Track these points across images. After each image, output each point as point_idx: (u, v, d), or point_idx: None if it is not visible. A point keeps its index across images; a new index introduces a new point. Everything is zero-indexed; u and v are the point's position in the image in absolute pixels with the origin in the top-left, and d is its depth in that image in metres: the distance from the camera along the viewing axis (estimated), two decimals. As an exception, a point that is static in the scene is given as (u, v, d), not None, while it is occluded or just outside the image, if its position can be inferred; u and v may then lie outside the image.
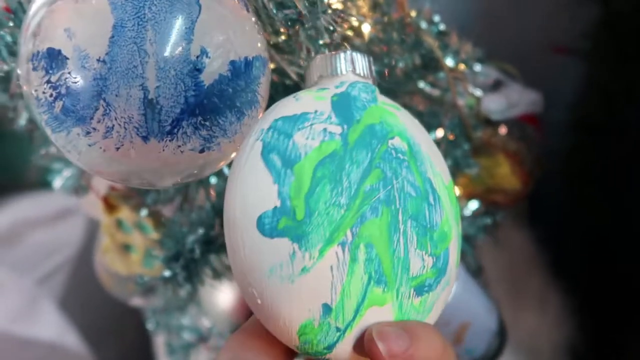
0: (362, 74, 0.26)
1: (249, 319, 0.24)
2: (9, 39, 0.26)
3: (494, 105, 0.52)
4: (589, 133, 0.75)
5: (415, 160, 0.23)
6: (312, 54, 0.31)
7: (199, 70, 0.21)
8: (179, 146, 0.22)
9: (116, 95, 0.20)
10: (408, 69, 0.39)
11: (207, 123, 0.22)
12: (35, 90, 0.21)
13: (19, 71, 0.22)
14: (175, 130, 0.21)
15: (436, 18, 0.40)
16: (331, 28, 0.31)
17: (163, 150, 0.22)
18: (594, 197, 0.77)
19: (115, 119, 0.21)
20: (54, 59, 0.20)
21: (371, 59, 0.27)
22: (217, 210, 0.38)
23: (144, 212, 0.40)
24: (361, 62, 0.26)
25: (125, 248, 0.44)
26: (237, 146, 0.24)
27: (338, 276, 0.20)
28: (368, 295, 0.21)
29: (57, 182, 0.42)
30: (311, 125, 0.22)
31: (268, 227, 0.20)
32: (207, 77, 0.21)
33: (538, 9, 0.74)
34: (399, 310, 0.22)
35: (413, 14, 0.38)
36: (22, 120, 0.31)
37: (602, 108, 0.73)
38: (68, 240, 0.86)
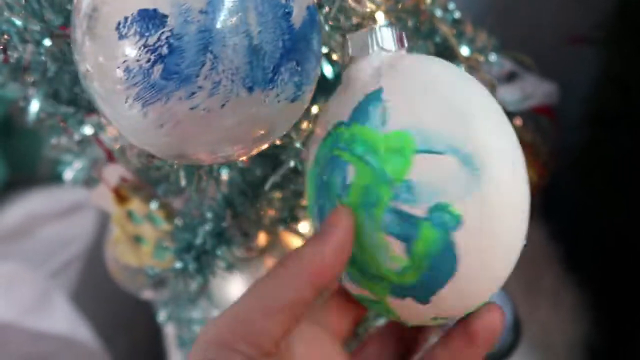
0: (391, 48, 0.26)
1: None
2: (19, 23, 0.26)
3: (509, 96, 0.52)
4: (604, 125, 0.74)
5: None
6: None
7: (289, 14, 0.21)
8: (277, 95, 0.21)
9: (223, 46, 0.20)
10: (422, 58, 0.39)
11: (299, 68, 0.22)
12: (124, 62, 0.20)
13: (79, 59, 0.21)
14: (276, 77, 0.21)
15: (451, 5, 0.39)
16: (348, 14, 0.30)
17: (264, 101, 0.21)
18: (609, 191, 0.75)
19: (223, 72, 0.20)
20: (150, 19, 0.19)
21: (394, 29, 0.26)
22: (228, 202, 0.37)
23: (154, 204, 0.40)
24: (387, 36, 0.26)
25: (136, 239, 0.44)
26: (310, 96, 0.24)
27: None
28: None
29: (68, 174, 0.42)
30: None
31: None
32: (295, 21, 0.22)
33: (553, -1, 0.73)
34: None
35: (428, 0, 0.37)
36: (34, 109, 0.31)
37: (619, 100, 0.72)
38: (79, 234, 0.87)
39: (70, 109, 0.34)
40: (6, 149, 0.91)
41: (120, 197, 0.41)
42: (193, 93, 0.20)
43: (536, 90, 0.53)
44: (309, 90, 0.24)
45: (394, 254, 0.22)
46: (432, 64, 0.25)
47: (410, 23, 0.37)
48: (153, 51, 0.19)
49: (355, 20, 0.27)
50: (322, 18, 0.28)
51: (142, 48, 0.20)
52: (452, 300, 0.23)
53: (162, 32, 0.19)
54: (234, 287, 0.43)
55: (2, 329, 0.68)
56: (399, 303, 0.24)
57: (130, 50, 0.20)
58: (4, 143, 0.91)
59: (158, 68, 0.20)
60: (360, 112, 0.24)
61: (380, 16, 0.35)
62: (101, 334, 0.74)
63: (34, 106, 0.31)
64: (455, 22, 0.39)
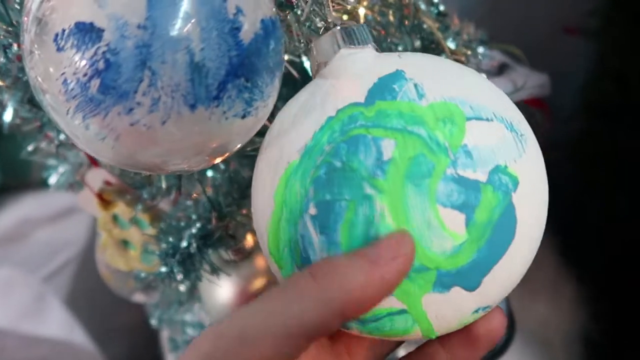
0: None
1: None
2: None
3: (500, 89, 0.51)
4: (600, 117, 0.73)
5: None
6: (301, 39, 0.30)
7: (238, 29, 0.21)
8: (224, 112, 0.21)
9: (162, 62, 0.19)
10: (408, 53, 0.38)
11: (249, 84, 0.21)
12: (62, 74, 0.19)
13: (29, 66, 0.21)
14: (222, 94, 0.21)
15: (436, -2, 0.38)
16: (324, 12, 0.30)
17: (210, 118, 0.21)
18: (605, 183, 0.75)
19: (162, 89, 0.19)
20: (86, 33, 0.19)
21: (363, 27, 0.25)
22: (214, 204, 0.37)
23: (139, 207, 0.39)
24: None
25: (124, 244, 0.43)
26: (268, 111, 0.24)
27: None
28: None
29: (53, 179, 0.42)
30: None
31: None
32: (245, 36, 0.21)
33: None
34: None
35: (411, -6, 0.37)
36: (8, 115, 0.31)
37: (614, 91, 0.71)
38: (73, 238, 0.86)
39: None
40: (-2, 153, 0.91)
41: (105, 201, 0.40)
42: (132, 109, 0.19)
43: (528, 82, 0.52)
44: (264, 106, 0.23)
45: (448, 230, 0.20)
46: (430, 55, 0.25)
47: (393, 18, 0.36)
48: (90, 65, 0.19)
49: (329, 19, 0.27)
50: (294, 19, 0.27)
51: (79, 61, 0.19)
52: (502, 279, 0.22)
53: (99, 47, 0.19)
54: (223, 289, 0.42)
55: (-3, 334, 0.68)
56: (439, 300, 0.21)
57: (68, 62, 0.19)
58: (-4, 148, 0.91)
59: (95, 82, 0.19)
60: (382, 91, 0.22)
61: (361, 12, 0.34)
62: (96, 337, 0.74)
63: (9, 111, 0.30)
64: (440, 15, 0.38)
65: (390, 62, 0.24)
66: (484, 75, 0.25)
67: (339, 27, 0.25)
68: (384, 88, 0.22)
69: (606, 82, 0.73)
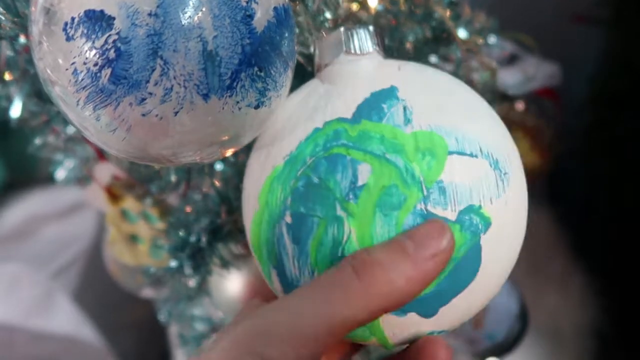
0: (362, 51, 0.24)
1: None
2: (-9, 21, 0.24)
3: (511, 79, 0.50)
4: (609, 106, 0.72)
5: None
6: (311, 30, 0.29)
7: (251, 17, 0.20)
8: (238, 102, 0.21)
9: (174, 51, 0.19)
10: (418, 43, 0.38)
11: (262, 74, 0.21)
12: (72, 64, 0.19)
13: (37, 57, 0.20)
14: (235, 83, 0.20)
15: (447, -14, 0.38)
16: (335, 2, 0.29)
17: (223, 108, 0.20)
18: (616, 174, 0.74)
19: (174, 78, 0.19)
20: (96, 21, 0.18)
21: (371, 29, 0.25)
22: (223, 198, 0.36)
23: (148, 202, 0.39)
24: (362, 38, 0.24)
25: (132, 238, 0.43)
26: (280, 102, 0.23)
27: None
28: None
29: (60, 174, 0.42)
30: None
31: None
32: (258, 24, 0.21)
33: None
34: None
35: (422, -18, 0.36)
36: (17, 109, 0.30)
37: (624, 80, 0.70)
38: (81, 233, 0.86)
39: (55, 107, 0.33)
40: (5, 150, 0.91)
41: (113, 195, 0.40)
42: (144, 99, 0.19)
43: (538, 72, 0.51)
44: (277, 96, 0.22)
45: None
46: (432, 69, 0.24)
47: (404, 6, 0.36)
48: (100, 55, 0.19)
49: (342, 12, 0.26)
50: (304, 10, 0.27)
51: (89, 51, 0.19)
52: (460, 310, 0.22)
53: (109, 35, 0.18)
54: (233, 283, 0.42)
55: (6, 330, 0.68)
56: (396, 321, 0.22)
57: (78, 52, 0.19)
58: (2, 144, 0.91)
59: (106, 72, 0.19)
60: (370, 109, 0.22)
61: (372, 1, 0.33)
62: (105, 333, 0.74)
63: (17, 105, 0.30)
64: (452, 4, 0.38)
65: (388, 75, 0.23)
66: (482, 99, 0.24)
67: (343, 29, 0.24)
68: (373, 106, 0.22)
69: (615, 72, 0.72)
